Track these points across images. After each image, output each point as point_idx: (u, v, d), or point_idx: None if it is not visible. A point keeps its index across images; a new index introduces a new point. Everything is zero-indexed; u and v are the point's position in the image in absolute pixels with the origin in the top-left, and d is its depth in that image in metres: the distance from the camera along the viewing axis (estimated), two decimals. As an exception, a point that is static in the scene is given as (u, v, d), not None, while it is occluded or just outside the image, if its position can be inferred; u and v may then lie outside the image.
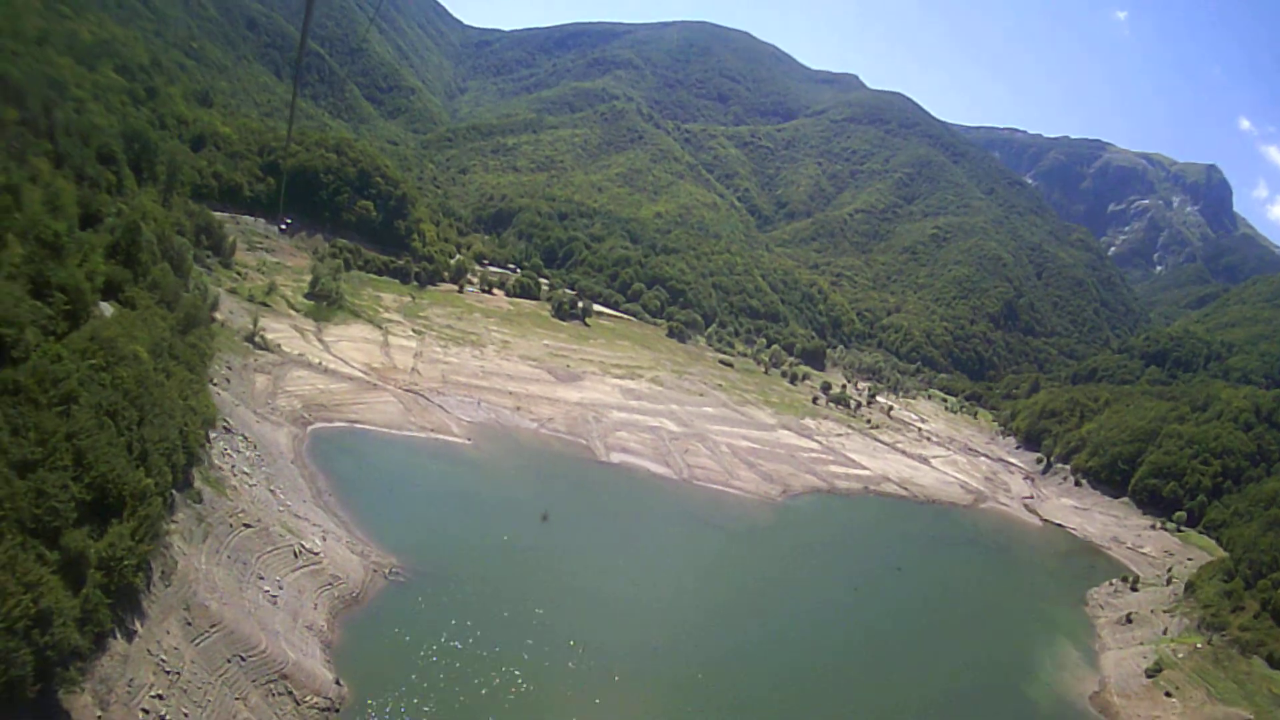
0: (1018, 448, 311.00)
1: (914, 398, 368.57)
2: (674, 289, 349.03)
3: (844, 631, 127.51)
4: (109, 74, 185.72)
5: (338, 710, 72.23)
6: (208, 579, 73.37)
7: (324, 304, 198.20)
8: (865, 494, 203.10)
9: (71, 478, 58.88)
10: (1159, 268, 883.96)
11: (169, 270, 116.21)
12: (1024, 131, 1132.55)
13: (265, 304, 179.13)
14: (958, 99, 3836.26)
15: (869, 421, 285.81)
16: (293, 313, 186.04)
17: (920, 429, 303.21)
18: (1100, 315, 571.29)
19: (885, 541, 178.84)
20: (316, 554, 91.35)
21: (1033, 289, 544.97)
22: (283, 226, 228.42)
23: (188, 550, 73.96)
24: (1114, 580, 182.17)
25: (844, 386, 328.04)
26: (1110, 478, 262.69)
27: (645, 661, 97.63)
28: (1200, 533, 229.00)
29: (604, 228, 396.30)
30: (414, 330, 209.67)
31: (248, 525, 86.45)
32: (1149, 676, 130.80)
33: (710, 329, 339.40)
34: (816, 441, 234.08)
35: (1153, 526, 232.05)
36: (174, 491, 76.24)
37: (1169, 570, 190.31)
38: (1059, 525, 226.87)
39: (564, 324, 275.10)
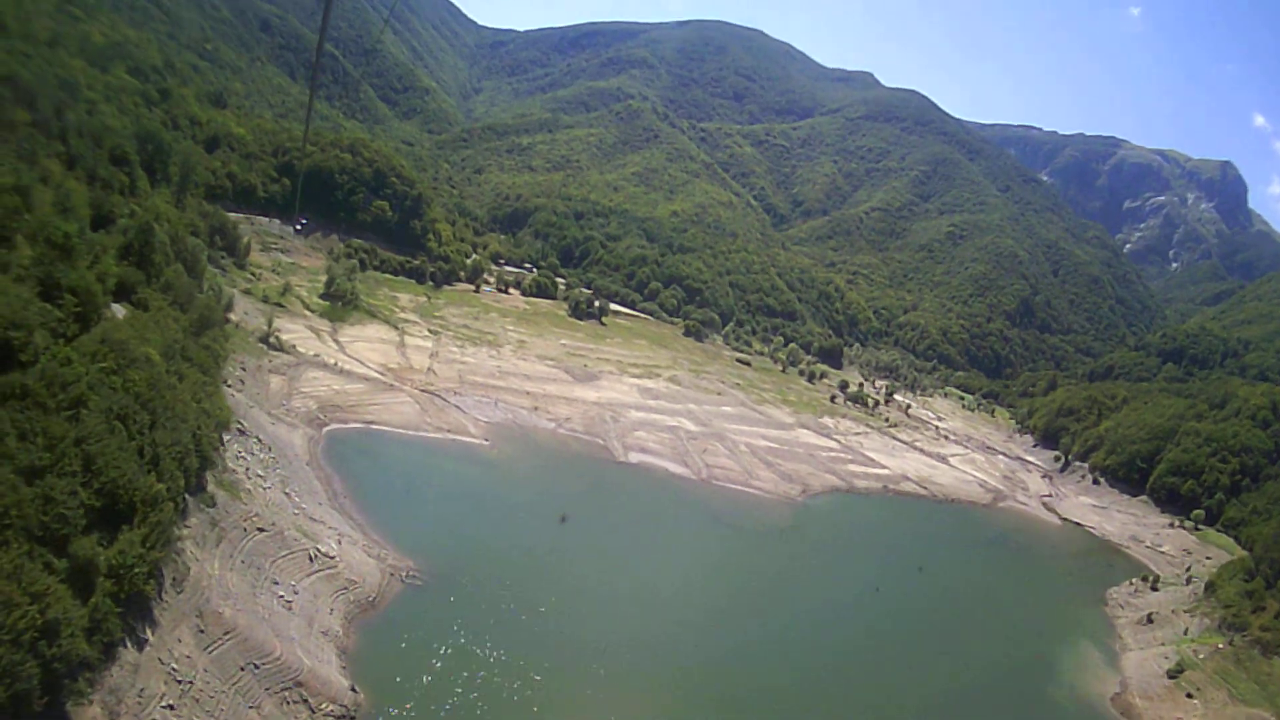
0: (1035, 446, 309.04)
1: (931, 396, 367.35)
2: (691, 288, 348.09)
3: (868, 630, 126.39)
4: (122, 75, 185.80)
5: (354, 718, 70.97)
6: (221, 585, 72.30)
7: (339, 304, 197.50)
8: (884, 493, 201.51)
9: (80, 483, 57.94)
10: (1174, 264, 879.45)
11: (182, 271, 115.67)
12: (1039, 129, 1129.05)
13: (280, 305, 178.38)
14: (973, 97, 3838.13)
15: (887, 420, 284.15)
16: (308, 313, 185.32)
17: (938, 427, 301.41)
18: (1116, 312, 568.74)
19: (905, 541, 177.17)
20: (332, 558, 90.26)
21: (1049, 286, 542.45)
22: (298, 227, 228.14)
23: (200, 556, 72.95)
24: (1134, 580, 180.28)
25: (861, 385, 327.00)
26: (1128, 476, 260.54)
27: (670, 665, 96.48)
28: (1219, 531, 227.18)
29: (620, 227, 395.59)
30: (430, 330, 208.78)
31: (262, 529, 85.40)
32: (1170, 677, 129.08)
33: (727, 328, 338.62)
34: (835, 440, 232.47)
35: (1171, 525, 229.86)
36: (186, 496, 75.14)
37: (1188, 569, 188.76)
38: (1078, 524, 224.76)
39: (581, 323, 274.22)
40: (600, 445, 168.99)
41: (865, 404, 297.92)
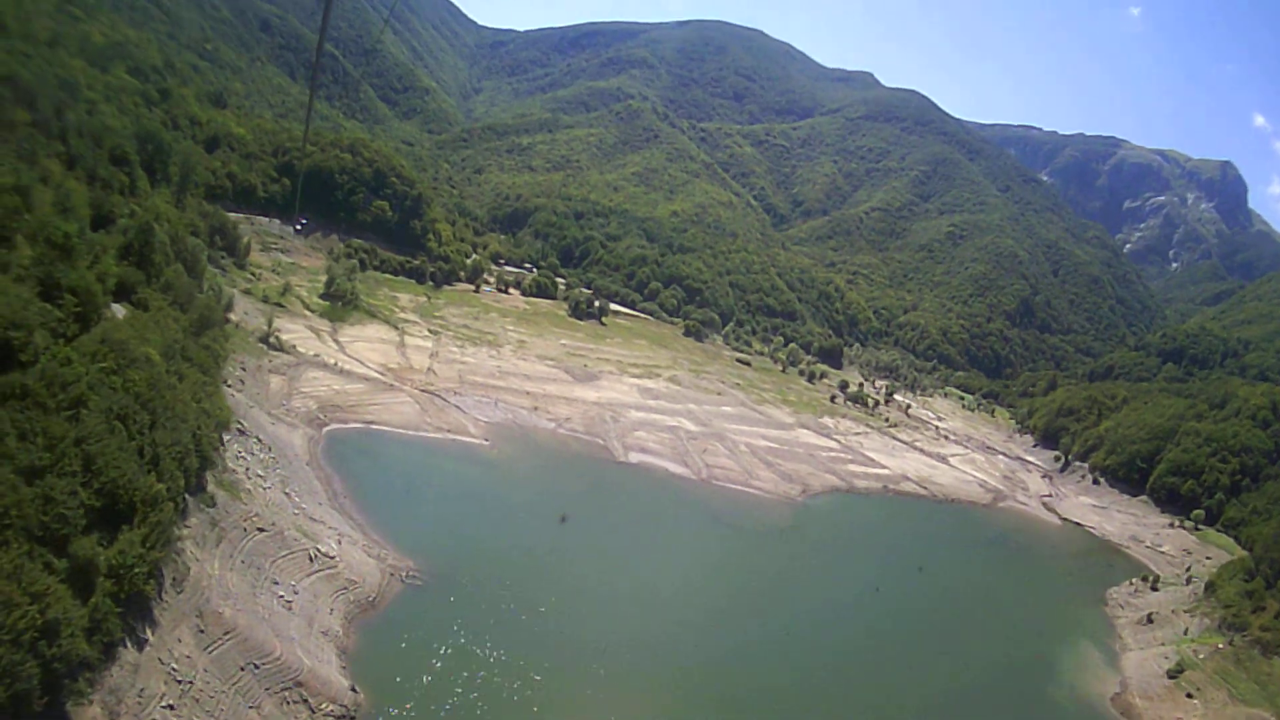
0: (1035, 446, 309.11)
1: (931, 396, 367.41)
2: (691, 288, 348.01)
3: (869, 630, 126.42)
4: (122, 75, 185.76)
5: (354, 718, 70.90)
6: (221, 585, 72.26)
7: (339, 304, 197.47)
8: (885, 493, 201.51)
9: (80, 483, 57.87)
10: (1174, 264, 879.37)
11: (182, 271, 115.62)
12: (1039, 129, 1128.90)
13: (280, 305, 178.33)
14: (972, 97, 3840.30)
15: (887, 420, 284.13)
16: (308, 313, 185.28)
17: (938, 427, 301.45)
18: (1116, 312, 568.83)
19: (905, 541, 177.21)
20: (332, 558, 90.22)
21: (1049, 286, 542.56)
22: (298, 227, 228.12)
23: (200, 556, 72.92)
24: (1134, 580, 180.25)
25: (861, 385, 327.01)
26: (1128, 476, 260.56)
27: (670, 665, 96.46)
28: (1219, 531, 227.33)
29: (620, 227, 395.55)
30: (430, 330, 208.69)
31: (262, 529, 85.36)
32: (1170, 678, 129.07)
33: (727, 328, 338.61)
34: (835, 440, 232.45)
35: (1171, 525, 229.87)
36: (186, 496, 75.09)
37: (1188, 569, 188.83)
38: (1078, 524, 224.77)
39: (581, 323, 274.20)
40: (600, 445, 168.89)
41: (865, 404, 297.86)
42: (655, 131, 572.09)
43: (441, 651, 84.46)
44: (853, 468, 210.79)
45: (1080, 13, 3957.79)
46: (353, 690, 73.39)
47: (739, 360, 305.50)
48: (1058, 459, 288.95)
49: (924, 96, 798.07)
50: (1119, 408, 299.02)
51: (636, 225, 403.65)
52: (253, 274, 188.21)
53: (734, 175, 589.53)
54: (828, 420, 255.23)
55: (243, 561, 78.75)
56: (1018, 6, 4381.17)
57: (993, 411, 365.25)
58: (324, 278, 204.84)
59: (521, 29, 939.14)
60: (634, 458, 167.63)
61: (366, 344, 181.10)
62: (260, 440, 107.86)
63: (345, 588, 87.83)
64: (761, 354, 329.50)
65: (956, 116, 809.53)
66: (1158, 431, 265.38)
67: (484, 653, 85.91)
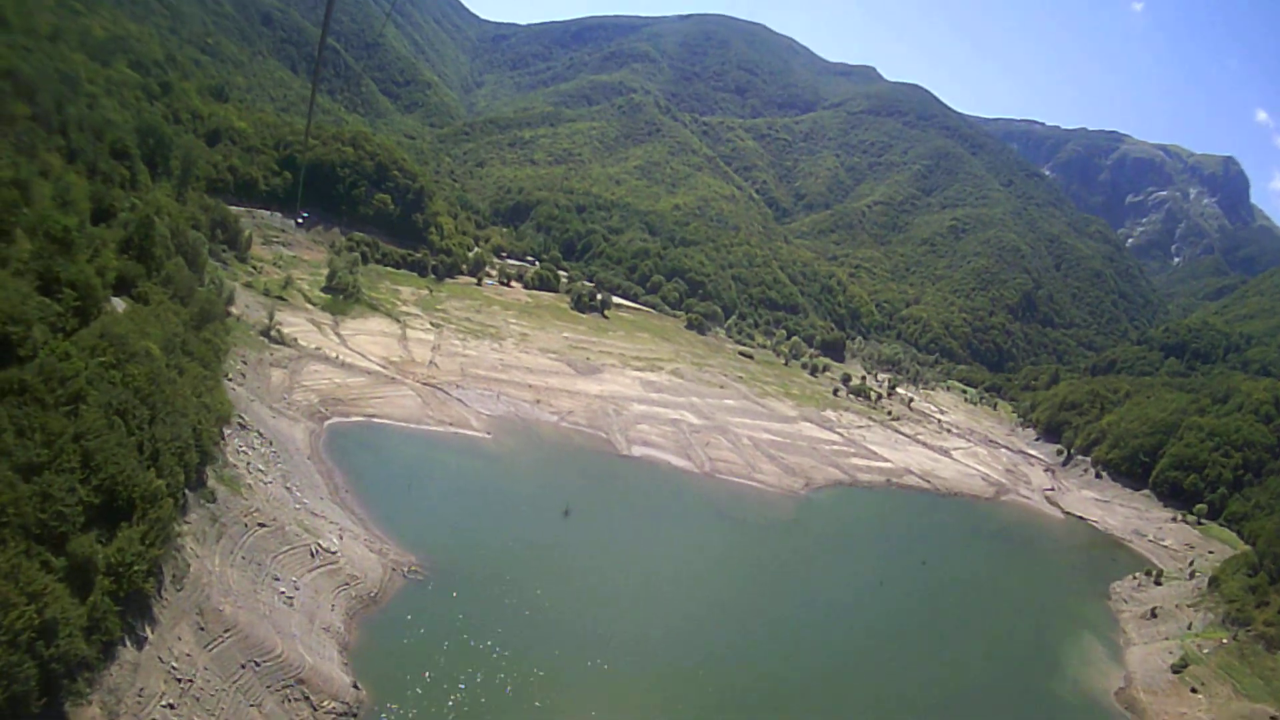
0: (1038, 439, 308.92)
1: (933, 389, 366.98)
2: (693, 281, 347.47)
3: (871, 623, 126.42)
4: (123, 69, 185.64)
5: (355, 715, 70.45)
6: (221, 582, 71.80)
7: (341, 297, 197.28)
8: (887, 486, 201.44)
9: (79, 480, 57.35)
10: (1177, 259, 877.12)
11: (183, 265, 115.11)
12: (1041, 123, 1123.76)
13: (281, 298, 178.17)
14: (975, 91, 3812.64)
15: (889, 413, 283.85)
16: (309, 307, 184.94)
17: (940, 421, 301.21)
18: (1119, 307, 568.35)
19: (908, 534, 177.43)
20: (334, 553, 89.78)
21: (1051, 280, 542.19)
22: (299, 220, 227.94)
23: (200, 552, 72.45)
24: (1137, 574, 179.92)
25: (864, 378, 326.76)
26: (1131, 470, 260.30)
27: (672, 659, 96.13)
28: (1221, 525, 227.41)
29: (622, 220, 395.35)
30: (432, 323, 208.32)
31: (263, 525, 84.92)
32: (1175, 672, 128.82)
33: (729, 321, 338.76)
34: (838, 434, 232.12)
35: (1174, 519, 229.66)
36: (186, 491, 74.61)
37: (1191, 564, 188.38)
38: (1080, 518, 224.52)
39: (583, 316, 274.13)
40: (603, 438, 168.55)
41: (868, 397, 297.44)
42: (657, 125, 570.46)
43: (444, 647, 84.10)
44: (855, 461, 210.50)
45: (1082, 8, 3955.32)
46: (355, 687, 72.98)
47: (741, 353, 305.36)
48: (1060, 453, 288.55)
49: (926, 91, 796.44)
50: (1121, 402, 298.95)
51: (639, 218, 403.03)
52: (254, 267, 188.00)
53: (736, 169, 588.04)
54: (830, 413, 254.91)
55: (243, 558, 78.29)
56: (1020, 1, 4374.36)
57: (995, 405, 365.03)
58: (325, 271, 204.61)
59: (523, 23, 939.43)
60: (636, 451, 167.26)
61: (368, 337, 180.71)
62: (261, 434, 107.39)
63: (347, 583, 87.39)
64: (764, 347, 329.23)
65: (959, 111, 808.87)
66: (1160, 426, 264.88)
67: (486, 648, 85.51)
